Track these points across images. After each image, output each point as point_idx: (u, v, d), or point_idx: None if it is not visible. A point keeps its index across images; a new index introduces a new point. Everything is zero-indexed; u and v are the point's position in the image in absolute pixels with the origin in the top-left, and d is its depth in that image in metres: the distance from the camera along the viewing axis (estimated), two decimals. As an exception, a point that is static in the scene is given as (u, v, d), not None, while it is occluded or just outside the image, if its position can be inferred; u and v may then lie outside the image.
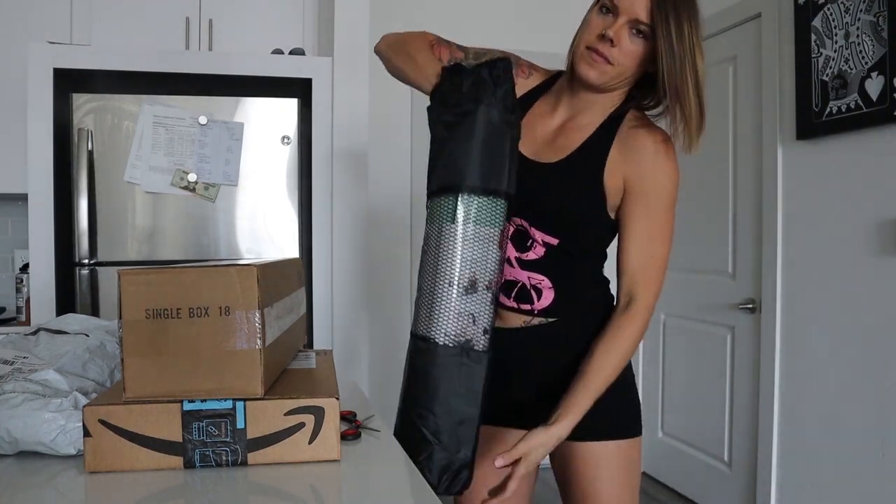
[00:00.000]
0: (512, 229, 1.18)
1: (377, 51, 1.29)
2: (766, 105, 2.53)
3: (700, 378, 2.92)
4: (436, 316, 1.07)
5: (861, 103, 2.11)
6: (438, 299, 1.06)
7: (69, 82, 2.29)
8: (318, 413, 0.96)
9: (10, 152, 2.45)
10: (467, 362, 1.07)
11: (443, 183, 1.07)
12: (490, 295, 1.07)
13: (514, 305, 1.22)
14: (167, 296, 0.92)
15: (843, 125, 2.18)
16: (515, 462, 1.07)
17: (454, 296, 1.06)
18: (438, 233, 1.07)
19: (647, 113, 1.20)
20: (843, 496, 2.22)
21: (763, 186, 2.56)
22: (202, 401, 0.93)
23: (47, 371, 1.05)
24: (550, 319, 1.21)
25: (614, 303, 1.21)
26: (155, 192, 2.24)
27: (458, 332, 1.06)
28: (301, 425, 0.96)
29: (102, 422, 0.92)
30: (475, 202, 1.05)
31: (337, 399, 0.97)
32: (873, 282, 2.12)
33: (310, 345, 2.38)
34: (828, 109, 2.23)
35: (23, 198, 2.44)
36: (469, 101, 1.04)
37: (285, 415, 0.95)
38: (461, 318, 1.06)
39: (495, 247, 1.06)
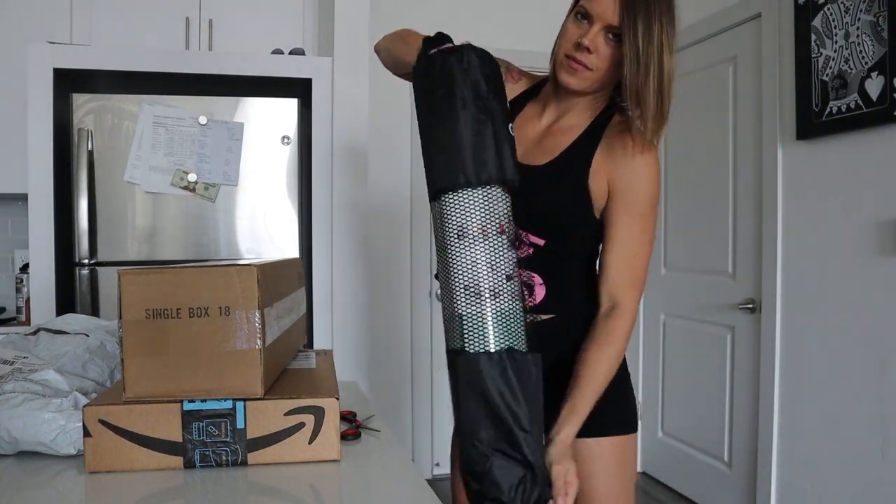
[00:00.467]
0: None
1: (377, 48, 1.30)
2: (766, 105, 2.53)
3: (700, 378, 2.92)
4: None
5: (861, 103, 2.11)
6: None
7: (69, 82, 2.29)
8: (318, 413, 0.96)
9: (10, 152, 2.45)
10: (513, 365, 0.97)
11: (430, 188, 1.02)
12: (515, 287, 1.00)
13: None
14: (167, 296, 0.92)
15: (843, 125, 2.18)
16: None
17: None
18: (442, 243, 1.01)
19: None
20: (843, 496, 2.22)
21: (763, 186, 2.56)
22: (202, 401, 0.93)
23: (47, 371, 1.05)
24: (544, 316, 1.21)
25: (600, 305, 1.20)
26: (155, 192, 2.24)
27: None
28: (301, 425, 0.96)
29: (102, 422, 0.92)
30: (455, 199, 0.97)
31: (337, 399, 0.97)
32: (873, 282, 2.12)
33: (310, 345, 2.38)
34: (828, 109, 2.23)
35: (23, 198, 2.44)
36: (440, 87, 0.98)
37: (285, 415, 0.95)
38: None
39: (501, 243, 0.99)
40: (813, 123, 2.29)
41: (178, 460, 0.93)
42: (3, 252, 2.91)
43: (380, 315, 3.12)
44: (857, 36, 2.11)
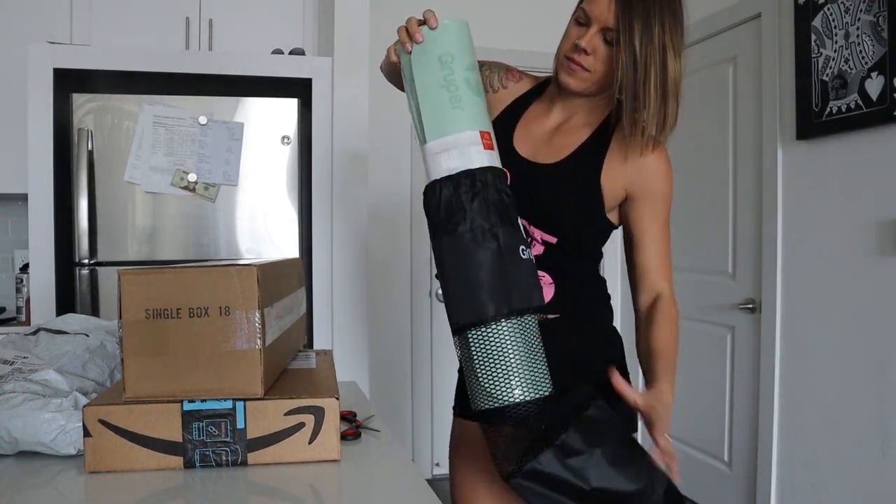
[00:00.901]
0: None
1: (382, 67, 1.30)
2: (766, 105, 2.53)
3: (700, 378, 2.92)
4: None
5: (861, 103, 2.11)
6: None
7: (69, 82, 2.29)
8: (318, 413, 0.96)
9: (10, 152, 2.45)
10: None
11: (452, 325, 1.00)
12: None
13: None
14: (167, 296, 0.92)
15: (843, 125, 2.18)
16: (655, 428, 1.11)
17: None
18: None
19: None
20: (843, 496, 2.22)
21: (763, 186, 2.56)
22: (202, 401, 0.93)
23: (47, 371, 1.05)
24: (551, 315, 1.21)
25: (636, 303, 1.23)
26: (155, 192, 2.24)
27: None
28: (301, 425, 0.96)
29: (102, 422, 0.92)
30: (482, 336, 0.96)
31: (337, 399, 0.97)
32: (873, 282, 2.12)
33: (310, 345, 2.38)
34: (828, 109, 2.23)
35: (23, 198, 2.44)
36: (446, 220, 0.98)
37: (285, 415, 0.95)
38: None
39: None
40: (813, 123, 2.29)
41: (178, 460, 0.93)
42: (3, 252, 2.91)
43: (380, 315, 3.12)
44: (857, 36, 2.11)
